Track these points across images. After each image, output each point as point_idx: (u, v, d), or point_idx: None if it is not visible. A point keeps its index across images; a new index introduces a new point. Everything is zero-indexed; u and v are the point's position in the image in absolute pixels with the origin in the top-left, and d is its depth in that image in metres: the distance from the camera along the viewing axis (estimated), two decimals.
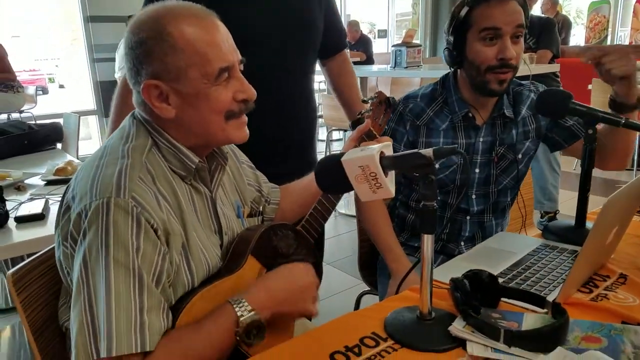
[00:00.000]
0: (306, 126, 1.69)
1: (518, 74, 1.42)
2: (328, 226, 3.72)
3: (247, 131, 1.04)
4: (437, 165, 1.47)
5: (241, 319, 0.91)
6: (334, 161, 0.90)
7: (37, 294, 1.05)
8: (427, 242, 0.90)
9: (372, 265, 1.81)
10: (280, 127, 1.58)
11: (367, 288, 1.83)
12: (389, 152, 0.91)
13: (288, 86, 1.58)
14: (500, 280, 1.11)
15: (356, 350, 0.87)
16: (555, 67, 3.84)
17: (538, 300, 0.97)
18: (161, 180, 0.96)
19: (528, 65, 3.07)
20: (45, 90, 15.94)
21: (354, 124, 1.84)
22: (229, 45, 0.98)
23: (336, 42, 1.78)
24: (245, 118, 1.03)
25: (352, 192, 0.95)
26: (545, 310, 0.95)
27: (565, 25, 6.71)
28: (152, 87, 0.94)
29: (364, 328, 0.94)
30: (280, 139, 1.59)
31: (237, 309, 0.92)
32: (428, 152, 0.86)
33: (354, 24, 7.25)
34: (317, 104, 5.08)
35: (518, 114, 1.48)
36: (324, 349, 0.88)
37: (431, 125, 1.47)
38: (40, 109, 6.33)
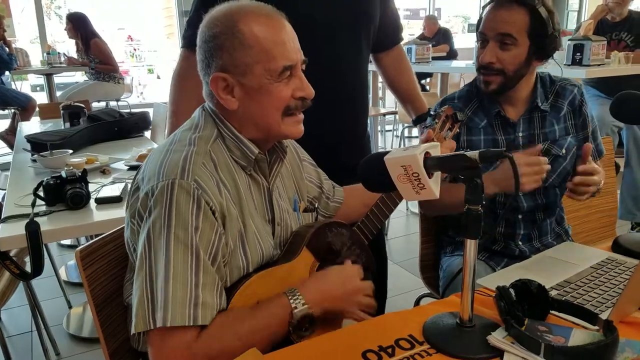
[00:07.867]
0: (359, 118, 1.67)
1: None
2: (398, 225, 3.70)
3: (302, 128, 1.08)
4: None
5: (295, 311, 0.95)
6: (378, 159, 0.90)
7: (102, 270, 1.13)
8: (471, 247, 0.87)
9: (433, 267, 1.78)
10: (336, 119, 1.56)
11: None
12: (436, 153, 0.89)
13: (342, 74, 1.56)
14: (555, 292, 1.06)
15: (390, 350, 0.87)
16: None
17: (590, 316, 0.91)
18: (223, 169, 1.02)
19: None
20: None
21: (416, 122, 1.82)
22: (294, 45, 1.02)
23: (392, 34, 1.75)
24: (301, 116, 1.07)
25: None
26: (596, 327, 0.90)
27: None
28: (219, 79, 1.00)
29: (402, 329, 0.93)
30: (335, 131, 1.57)
31: (292, 301, 0.96)
32: (474, 154, 0.84)
33: (432, 17, 7.08)
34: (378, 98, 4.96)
35: (560, 109, 1.50)
36: (358, 346, 0.88)
37: (470, 124, 1.52)
38: (136, 98, 6.74)
